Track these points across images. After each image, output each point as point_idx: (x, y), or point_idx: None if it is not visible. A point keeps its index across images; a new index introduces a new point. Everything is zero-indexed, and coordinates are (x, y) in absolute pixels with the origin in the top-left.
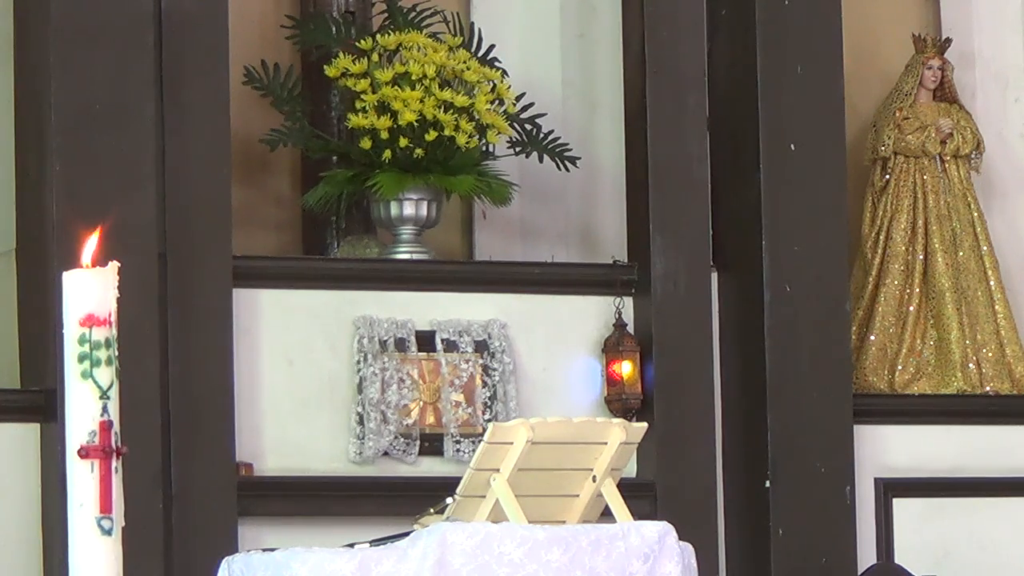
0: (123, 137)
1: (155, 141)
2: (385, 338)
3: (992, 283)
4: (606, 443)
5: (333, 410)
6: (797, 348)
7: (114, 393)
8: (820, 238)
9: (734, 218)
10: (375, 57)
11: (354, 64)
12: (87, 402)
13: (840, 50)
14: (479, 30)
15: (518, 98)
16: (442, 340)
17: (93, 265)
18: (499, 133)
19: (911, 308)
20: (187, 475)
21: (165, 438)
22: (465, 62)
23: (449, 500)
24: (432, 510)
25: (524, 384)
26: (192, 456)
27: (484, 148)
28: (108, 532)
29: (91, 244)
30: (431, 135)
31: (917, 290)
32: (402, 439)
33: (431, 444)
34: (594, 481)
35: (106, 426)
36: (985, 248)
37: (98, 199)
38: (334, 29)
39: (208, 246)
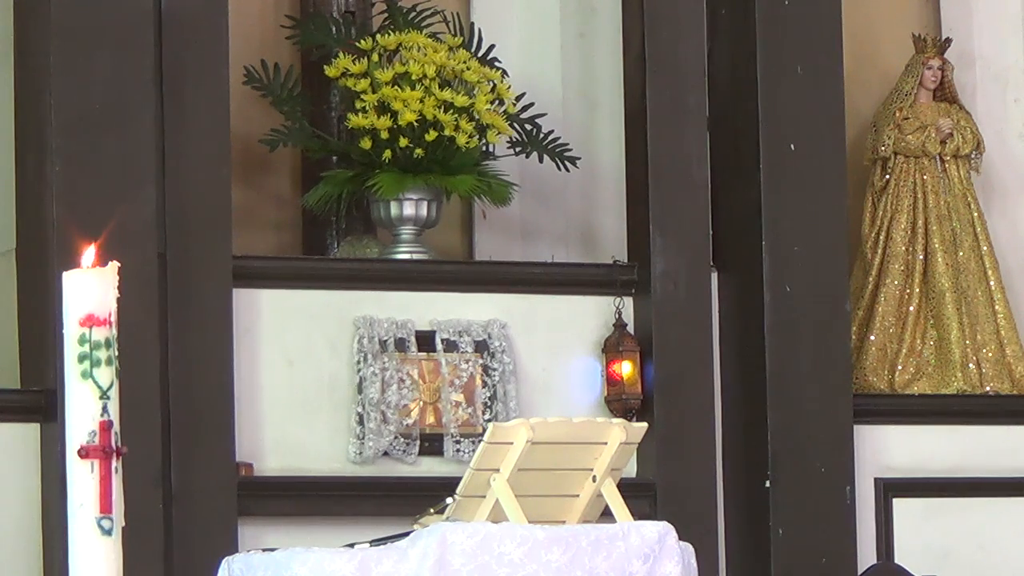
0: (123, 137)
1: (155, 141)
2: (385, 338)
3: (992, 283)
4: (606, 443)
5: (333, 410)
6: (797, 348)
7: (114, 393)
8: (820, 238)
9: (734, 218)
10: (375, 57)
11: (354, 64)
12: (87, 402)
13: (840, 50)
14: (479, 30)
15: (518, 98)
16: (442, 340)
17: (93, 265)
18: (499, 133)
19: (911, 308)
20: (187, 475)
21: (165, 438)
22: (465, 62)
23: (449, 500)
24: (432, 510)
25: (524, 384)
26: (192, 456)
27: (484, 148)
28: (108, 532)
29: (90, 254)
30: (431, 135)
31: (917, 290)
32: (402, 439)
33: (431, 444)
34: (594, 481)
35: (106, 426)
36: (985, 248)
37: (98, 199)
38: (334, 29)
39: (208, 246)
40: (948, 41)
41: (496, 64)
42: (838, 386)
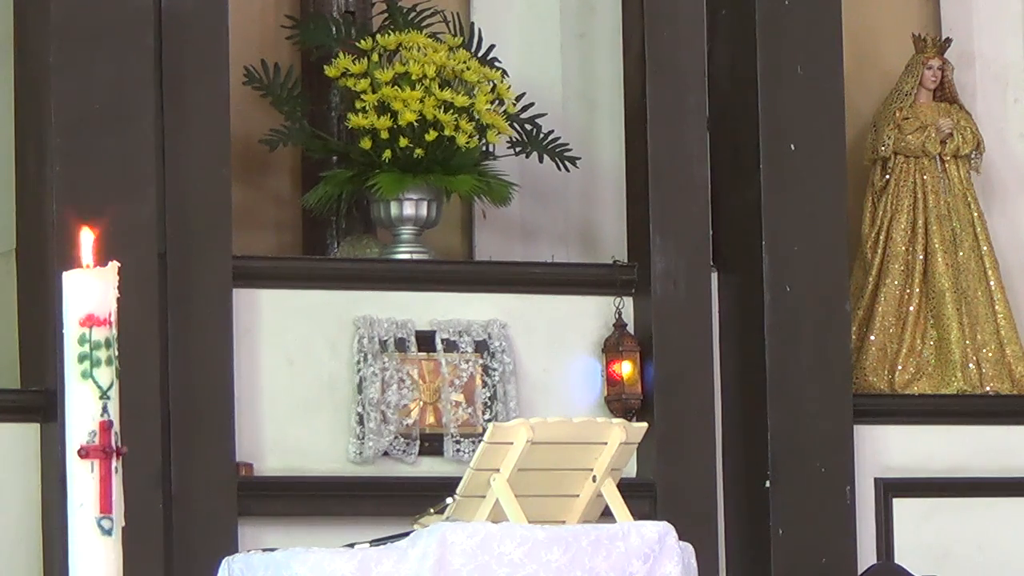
0: (123, 137)
1: (155, 141)
2: (385, 338)
3: (992, 283)
4: (606, 443)
5: (333, 410)
6: (797, 348)
7: (114, 393)
8: (820, 238)
9: (734, 218)
10: (375, 57)
11: (354, 64)
12: (87, 402)
13: (840, 50)
14: (479, 30)
15: (518, 98)
16: (442, 340)
17: (93, 265)
18: (499, 133)
19: (911, 308)
20: (187, 475)
21: (165, 438)
22: (465, 62)
23: (449, 500)
24: (432, 510)
25: (524, 384)
26: (192, 456)
27: (484, 148)
28: (108, 532)
29: (88, 244)
30: (431, 135)
31: (917, 290)
32: (402, 439)
33: (431, 444)
34: (594, 481)
35: (106, 426)
36: (985, 248)
37: (98, 199)
38: (334, 29)
39: (208, 246)
40: (948, 41)
41: (496, 64)
42: (838, 386)
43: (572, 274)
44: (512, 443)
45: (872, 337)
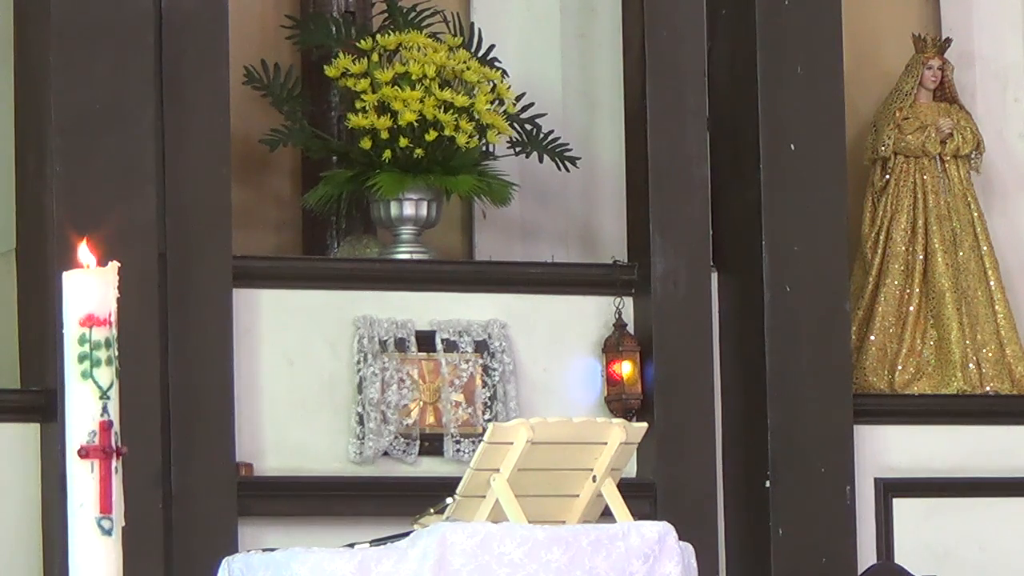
0: (123, 137)
1: (155, 141)
2: (385, 338)
3: (992, 283)
4: (606, 443)
5: (333, 410)
6: (797, 348)
7: (114, 393)
8: (820, 238)
9: (734, 218)
10: (375, 57)
11: (354, 64)
12: (87, 402)
13: (840, 50)
14: (479, 30)
15: (518, 98)
16: (442, 340)
17: (93, 265)
18: (499, 133)
19: (911, 308)
20: (187, 475)
21: (165, 438)
22: (465, 62)
23: (449, 500)
24: (432, 510)
25: (524, 384)
26: (192, 456)
27: (484, 148)
28: (108, 532)
29: (84, 249)
30: (431, 135)
31: (917, 290)
32: (402, 439)
33: (431, 444)
34: (594, 481)
35: (106, 426)
36: (985, 248)
37: (98, 199)
38: (334, 29)
39: (208, 246)
40: (948, 41)
41: (496, 64)
42: (838, 386)
43: (572, 274)
44: (512, 443)
45: (872, 337)
